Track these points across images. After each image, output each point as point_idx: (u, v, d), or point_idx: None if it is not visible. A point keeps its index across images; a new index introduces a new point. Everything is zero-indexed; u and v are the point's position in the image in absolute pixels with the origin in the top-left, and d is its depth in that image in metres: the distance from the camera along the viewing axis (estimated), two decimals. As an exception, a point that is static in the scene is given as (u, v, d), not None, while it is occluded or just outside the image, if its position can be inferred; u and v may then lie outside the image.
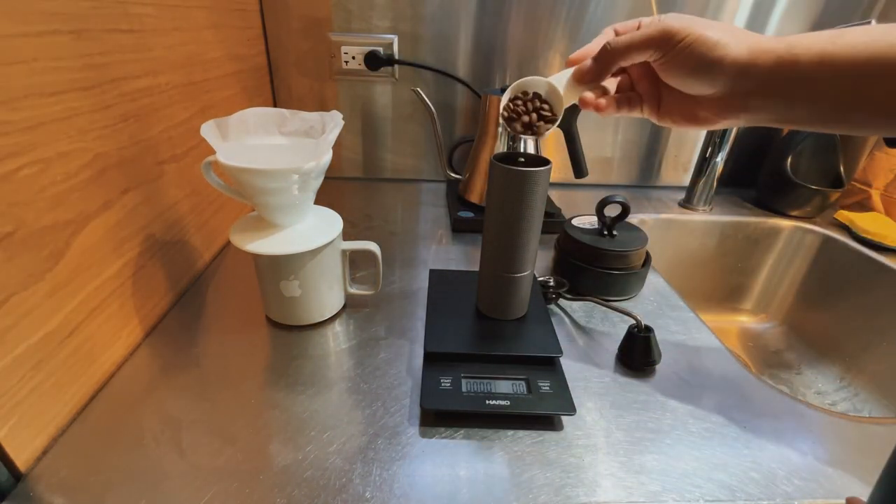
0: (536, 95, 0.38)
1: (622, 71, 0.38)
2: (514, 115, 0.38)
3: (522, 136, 0.40)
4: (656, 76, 0.35)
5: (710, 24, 0.32)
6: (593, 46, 0.36)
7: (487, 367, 0.42)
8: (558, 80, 0.37)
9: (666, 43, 0.32)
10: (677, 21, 0.32)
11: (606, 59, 0.34)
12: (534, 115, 0.38)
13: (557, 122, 0.38)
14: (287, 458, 0.35)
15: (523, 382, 0.40)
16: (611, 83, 0.38)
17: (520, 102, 0.38)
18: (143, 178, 0.46)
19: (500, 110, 0.39)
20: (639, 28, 0.35)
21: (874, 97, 0.28)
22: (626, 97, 0.38)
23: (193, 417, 0.38)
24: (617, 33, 0.36)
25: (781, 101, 0.32)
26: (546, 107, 0.38)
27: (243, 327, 0.49)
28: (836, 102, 0.30)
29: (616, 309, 0.51)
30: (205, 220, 0.59)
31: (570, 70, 0.36)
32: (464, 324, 0.46)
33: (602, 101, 0.37)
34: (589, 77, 0.36)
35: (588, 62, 0.35)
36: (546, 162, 0.40)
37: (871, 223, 0.75)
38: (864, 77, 0.28)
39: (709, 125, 0.36)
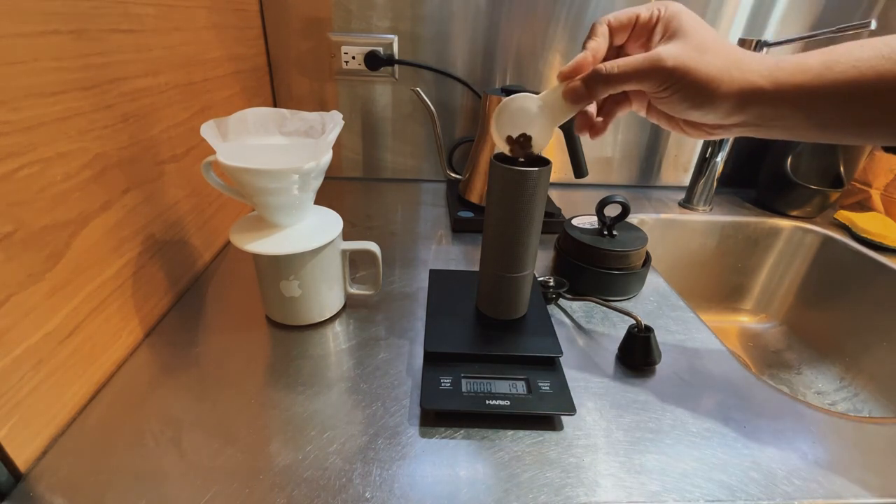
0: (525, 137, 0.39)
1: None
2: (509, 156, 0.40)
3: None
4: None
5: (706, 49, 0.31)
6: (585, 58, 0.34)
7: (487, 367, 0.42)
8: (548, 98, 0.37)
9: (658, 79, 0.32)
10: (673, 50, 0.31)
11: (596, 85, 0.34)
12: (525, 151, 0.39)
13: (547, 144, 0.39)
14: (287, 458, 0.35)
15: (523, 382, 0.41)
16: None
17: (512, 144, 0.39)
18: (143, 178, 0.46)
19: (494, 151, 0.41)
20: (636, 21, 0.34)
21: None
22: (615, 100, 0.38)
23: (193, 417, 0.38)
24: (611, 28, 0.34)
25: (777, 127, 0.32)
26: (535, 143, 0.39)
27: (243, 327, 0.49)
28: (838, 123, 0.31)
29: (616, 309, 0.51)
30: (205, 220, 0.59)
31: (561, 86, 0.36)
32: (464, 324, 0.46)
33: (598, 121, 0.38)
34: (578, 100, 0.35)
35: (578, 83, 0.34)
36: (546, 162, 0.40)
37: (871, 223, 0.75)
38: (862, 102, 0.29)
39: (697, 136, 0.37)
